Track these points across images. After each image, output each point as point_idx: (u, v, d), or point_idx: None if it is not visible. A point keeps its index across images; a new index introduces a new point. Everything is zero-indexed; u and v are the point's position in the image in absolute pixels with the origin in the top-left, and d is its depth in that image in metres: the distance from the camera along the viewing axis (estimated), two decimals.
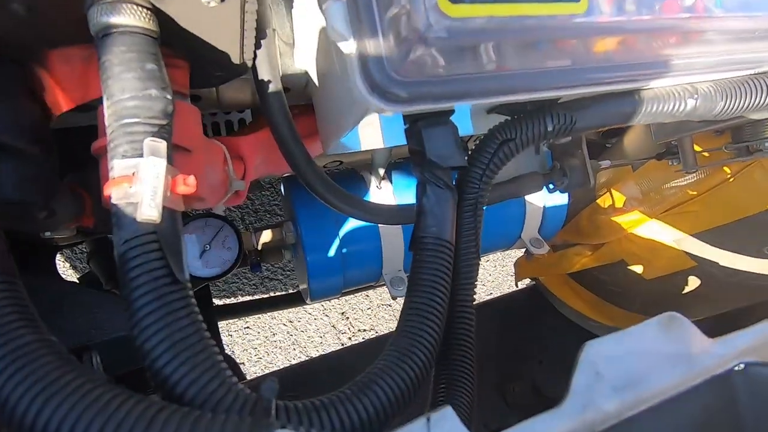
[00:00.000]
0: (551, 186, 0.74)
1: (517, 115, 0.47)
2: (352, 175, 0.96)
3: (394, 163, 1.01)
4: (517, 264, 1.29)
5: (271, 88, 0.50)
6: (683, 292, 1.00)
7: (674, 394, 0.26)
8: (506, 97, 0.37)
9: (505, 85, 0.37)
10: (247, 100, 0.68)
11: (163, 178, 0.29)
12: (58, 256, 1.68)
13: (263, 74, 0.50)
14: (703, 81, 0.46)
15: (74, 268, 1.66)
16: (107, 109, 0.31)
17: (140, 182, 0.29)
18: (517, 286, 1.30)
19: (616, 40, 0.42)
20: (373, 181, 0.92)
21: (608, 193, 1.05)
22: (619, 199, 1.01)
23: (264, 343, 1.80)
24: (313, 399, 0.28)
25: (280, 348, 1.81)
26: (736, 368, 0.29)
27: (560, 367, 1.31)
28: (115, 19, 0.30)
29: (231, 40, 0.41)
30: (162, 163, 0.29)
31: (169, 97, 0.32)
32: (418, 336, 0.35)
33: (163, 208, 0.29)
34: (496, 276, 2.29)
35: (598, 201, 1.07)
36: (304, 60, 0.58)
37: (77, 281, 1.07)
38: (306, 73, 0.59)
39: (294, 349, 1.83)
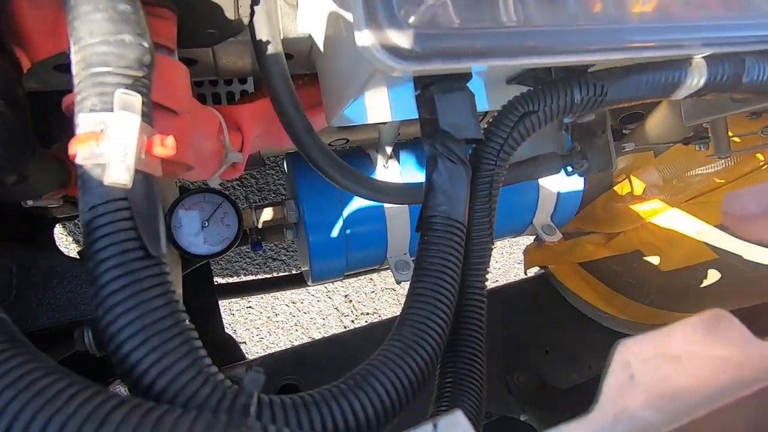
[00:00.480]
0: (569, 169, 0.69)
1: (541, 84, 0.43)
2: (358, 153, 0.92)
3: (402, 143, 0.97)
4: (526, 251, 1.24)
5: (270, 49, 0.46)
6: (701, 285, 0.95)
7: (721, 405, 0.23)
8: (533, 58, 0.32)
9: (533, 43, 0.32)
10: (247, 68, 0.64)
11: (135, 137, 0.25)
12: (61, 230, 1.66)
13: (261, 34, 0.45)
14: (759, 50, 0.41)
15: (77, 241, 1.65)
16: (74, 56, 0.27)
17: (109, 140, 0.25)
18: (525, 274, 1.26)
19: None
20: (380, 160, 0.88)
21: (627, 180, 0.99)
22: (639, 186, 0.96)
23: (266, 323, 1.79)
24: (303, 393, 0.25)
25: (282, 328, 1.80)
26: None
27: (566, 357, 1.28)
28: None
29: None
30: (135, 120, 0.25)
31: (145, 44, 0.28)
32: (424, 326, 0.31)
33: (137, 171, 0.25)
34: (503, 263, 2.25)
35: (615, 188, 1.02)
36: (308, 22, 0.53)
37: (78, 255, 1.05)
38: (310, 37, 0.55)
39: (296, 330, 1.81)
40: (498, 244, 2.23)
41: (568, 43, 0.33)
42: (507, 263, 2.23)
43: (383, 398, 0.27)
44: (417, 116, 0.61)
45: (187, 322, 0.25)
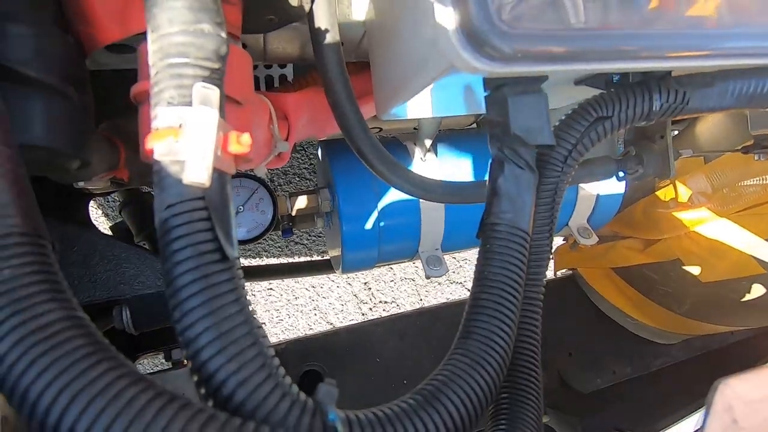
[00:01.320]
0: (621, 174, 0.66)
1: (616, 88, 0.40)
2: (395, 144, 0.90)
3: (440, 134, 0.94)
4: (557, 252, 1.22)
5: (329, 39, 0.44)
6: (742, 299, 0.92)
7: None
8: (628, 63, 0.30)
9: (626, 47, 0.30)
10: (294, 54, 0.62)
11: (214, 134, 0.24)
12: (91, 203, 1.70)
13: (321, 22, 0.43)
14: None
15: (106, 215, 1.68)
16: (152, 45, 0.26)
17: (188, 137, 0.24)
18: (555, 275, 1.24)
19: None
20: (417, 152, 0.86)
21: (671, 185, 0.95)
22: (684, 192, 0.92)
23: (286, 306, 1.81)
24: (375, 410, 0.24)
25: (301, 312, 1.82)
26: None
27: (590, 361, 1.26)
28: None
29: None
30: (214, 115, 0.24)
31: (223, 35, 0.26)
32: (490, 340, 0.30)
33: (213, 169, 0.24)
34: None
35: (657, 193, 0.98)
36: (364, 9, 0.51)
37: (109, 230, 1.07)
38: (363, 24, 0.53)
39: (315, 314, 1.83)
40: None
41: (670, 45, 0.31)
42: None
43: (454, 416, 0.26)
44: (457, 113, 0.58)
45: (260, 328, 0.24)
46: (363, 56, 0.60)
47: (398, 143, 0.90)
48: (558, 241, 1.40)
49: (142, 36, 0.31)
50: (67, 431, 0.17)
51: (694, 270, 0.93)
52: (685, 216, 0.90)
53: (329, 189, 0.85)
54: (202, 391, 0.22)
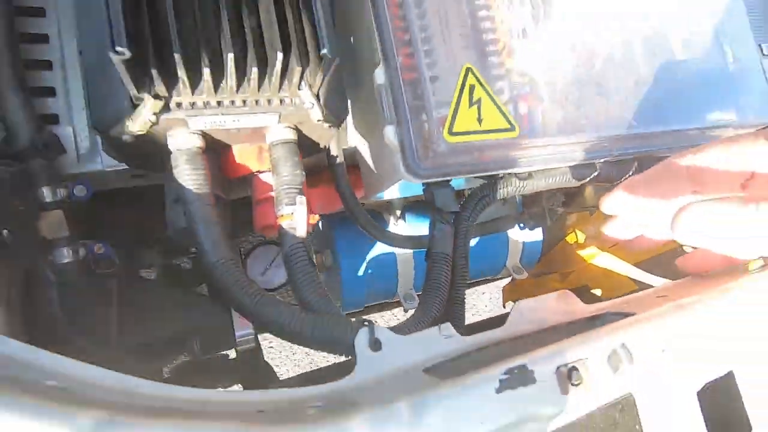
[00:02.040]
0: (521, 225, 1.03)
1: (492, 179, 0.78)
2: (374, 214, 1.26)
3: (408, 204, 1.31)
4: (504, 290, 1.56)
5: (338, 160, 0.81)
6: None
7: (552, 325, 0.54)
8: (485, 173, 0.67)
9: (484, 167, 0.67)
10: (311, 164, 0.99)
11: (306, 217, 0.59)
12: None
13: (333, 151, 0.80)
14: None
15: None
16: (275, 180, 0.61)
17: (297, 217, 0.58)
18: (504, 307, 1.56)
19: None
20: (391, 219, 1.21)
21: (574, 232, 1.34)
22: (582, 237, 1.30)
23: (285, 362, 2.03)
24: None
25: (299, 366, 2.04)
26: (601, 316, 0.57)
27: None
28: (283, 136, 0.61)
29: (325, 138, 0.72)
30: (305, 208, 0.59)
31: (304, 174, 0.62)
32: (433, 299, 0.63)
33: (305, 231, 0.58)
34: (491, 307, 2.53)
35: (567, 238, 1.36)
36: (353, 140, 0.89)
37: None
38: (354, 147, 0.90)
39: (311, 368, 2.05)
40: (486, 291, 2.54)
41: (503, 165, 0.68)
42: (495, 308, 2.52)
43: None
44: (416, 193, 0.95)
45: (325, 289, 0.57)
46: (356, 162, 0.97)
47: (376, 213, 1.26)
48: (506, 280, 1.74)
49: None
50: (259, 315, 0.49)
51: (598, 292, 1.29)
52: (584, 253, 1.28)
53: (330, 249, 1.19)
54: None
